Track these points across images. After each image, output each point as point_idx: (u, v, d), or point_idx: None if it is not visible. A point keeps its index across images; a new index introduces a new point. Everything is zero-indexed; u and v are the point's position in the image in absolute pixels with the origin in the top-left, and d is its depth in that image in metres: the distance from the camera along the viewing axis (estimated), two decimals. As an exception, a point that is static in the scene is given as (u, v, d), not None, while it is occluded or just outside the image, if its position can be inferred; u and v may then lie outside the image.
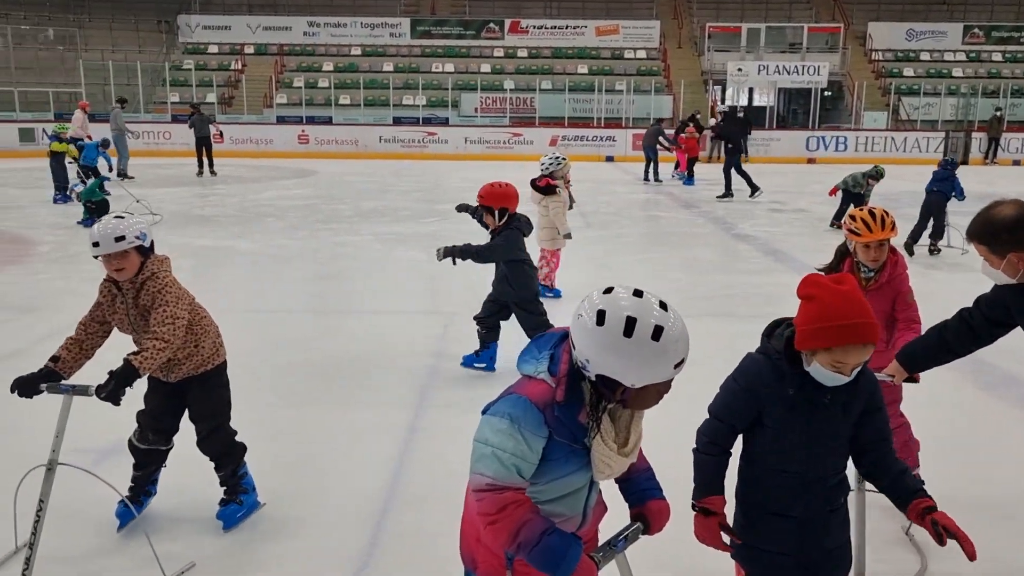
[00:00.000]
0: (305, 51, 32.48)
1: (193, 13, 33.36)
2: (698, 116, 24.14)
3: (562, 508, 1.97)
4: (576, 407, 1.86)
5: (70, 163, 13.37)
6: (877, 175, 11.28)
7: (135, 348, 3.17)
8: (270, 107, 29.19)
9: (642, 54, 32.22)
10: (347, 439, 4.48)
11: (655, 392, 1.83)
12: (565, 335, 1.91)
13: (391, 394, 5.16)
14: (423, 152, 27.08)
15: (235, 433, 3.53)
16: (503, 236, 5.28)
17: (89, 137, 16.65)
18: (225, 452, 3.49)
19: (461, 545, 2.16)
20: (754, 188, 15.65)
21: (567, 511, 1.98)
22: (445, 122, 27.88)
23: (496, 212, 5.32)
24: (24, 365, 5.52)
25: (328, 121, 27.62)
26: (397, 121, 27.73)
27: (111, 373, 2.93)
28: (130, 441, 3.46)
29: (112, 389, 2.89)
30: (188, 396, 3.40)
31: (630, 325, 1.74)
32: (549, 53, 32.32)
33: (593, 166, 23.57)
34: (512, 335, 5.32)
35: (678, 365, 1.78)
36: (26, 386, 3.02)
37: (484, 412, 1.95)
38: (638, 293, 1.81)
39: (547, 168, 7.73)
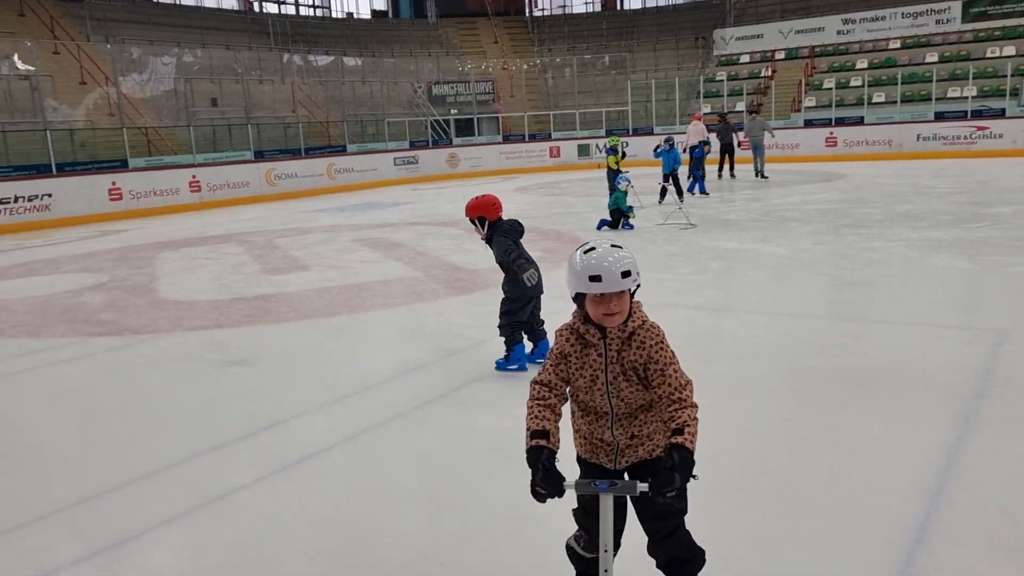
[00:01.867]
0: (838, 50, 31.39)
1: (728, 26, 34.75)
2: None
3: None
4: None
5: (624, 172, 15.10)
6: None
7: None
8: (798, 111, 28.91)
9: None
10: (872, 455, 4.30)
11: None
12: None
13: (923, 412, 4.78)
14: (969, 149, 24.05)
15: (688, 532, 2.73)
16: (496, 243, 5.68)
17: (706, 145, 18.59)
18: (686, 558, 2.71)
19: None
20: None
21: None
22: (1000, 114, 24.29)
23: (477, 222, 5.73)
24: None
25: (859, 121, 26.27)
26: (939, 116, 25.08)
27: (670, 467, 2.27)
28: (568, 546, 2.85)
29: (682, 485, 2.25)
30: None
31: None
32: None
33: None
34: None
35: None
36: (552, 484, 2.31)
37: None
38: None
39: None
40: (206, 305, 8.91)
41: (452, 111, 31.88)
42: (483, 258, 11.06)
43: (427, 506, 3.93)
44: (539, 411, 2.49)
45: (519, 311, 5.88)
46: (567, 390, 2.56)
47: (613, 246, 2.47)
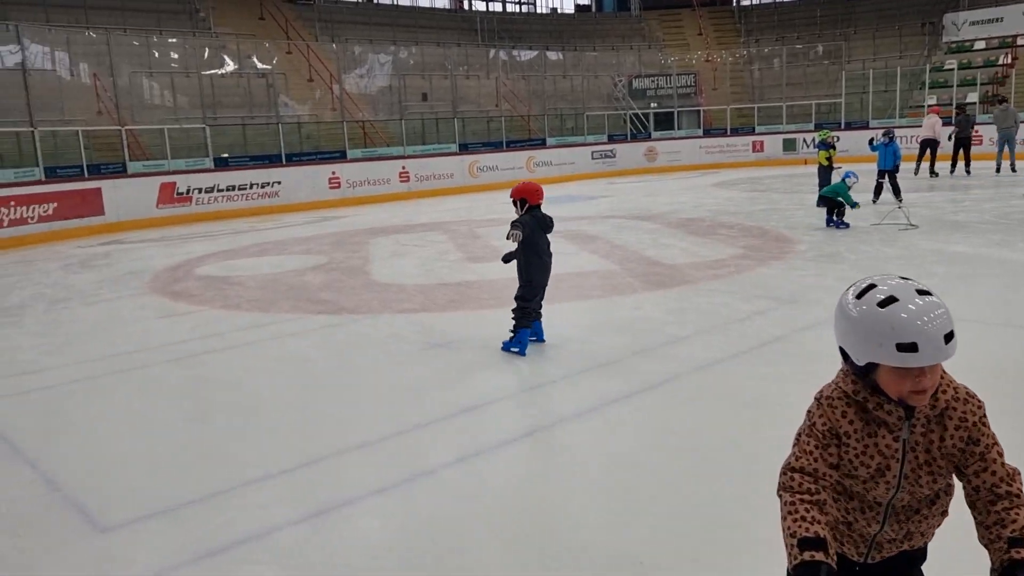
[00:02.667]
0: (1097, 33, 27.71)
1: (961, 9, 31.68)
2: None
3: None
4: None
5: (836, 168, 14.21)
6: None
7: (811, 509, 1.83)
8: (1043, 102, 25.84)
9: None
10: None
11: None
12: None
13: None
14: None
15: None
16: (520, 220, 6.29)
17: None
18: None
19: None
20: None
21: None
22: None
23: (518, 203, 6.41)
24: (788, 348, 6.16)
25: (1121, 113, 23.03)
26: None
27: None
28: None
29: None
30: None
31: None
32: None
33: None
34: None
35: None
36: None
37: None
38: None
39: None
40: (413, 289, 9.39)
41: (652, 104, 31.45)
42: (681, 253, 10.84)
43: (624, 502, 3.90)
44: (805, 510, 1.80)
45: (532, 298, 6.39)
46: (836, 478, 1.90)
47: (920, 291, 1.73)
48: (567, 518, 3.76)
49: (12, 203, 16.12)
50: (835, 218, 12.30)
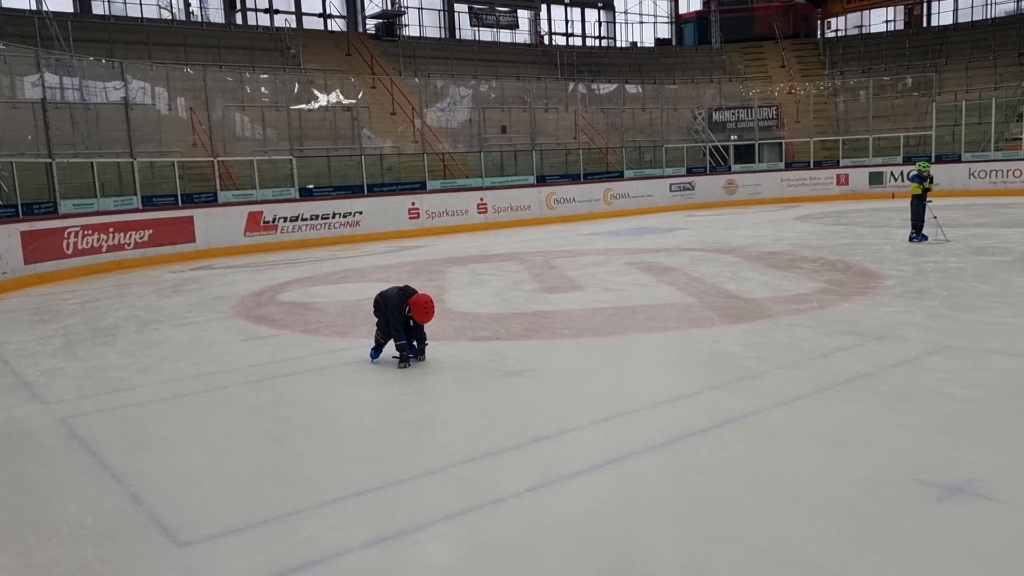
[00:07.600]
0: None
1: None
2: None
3: None
4: None
5: (929, 203, 13.67)
6: None
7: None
8: None
9: None
10: None
11: None
12: None
13: None
14: None
15: None
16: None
17: None
18: None
19: None
20: None
21: None
22: None
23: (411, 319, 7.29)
24: (874, 386, 5.91)
25: None
26: None
27: None
28: None
29: None
30: None
31: None
32: None
33: None
34: None
35: None
36: None
37: None
38: None
39: None
40: (487, 318, 9.42)
41: (732, 137, 31.07)
42: (761, 286, 10.59)
43: (703, 540, 3.78)
44: None
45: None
46: None
47: None
48: (642, 554, 3.65)
49: (111, 230, 16.96)
50: None
